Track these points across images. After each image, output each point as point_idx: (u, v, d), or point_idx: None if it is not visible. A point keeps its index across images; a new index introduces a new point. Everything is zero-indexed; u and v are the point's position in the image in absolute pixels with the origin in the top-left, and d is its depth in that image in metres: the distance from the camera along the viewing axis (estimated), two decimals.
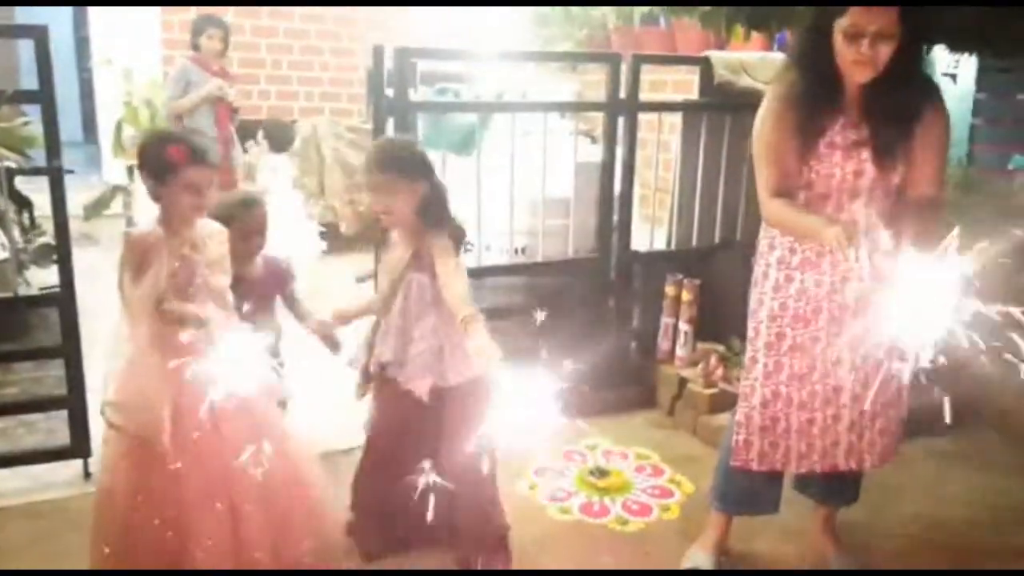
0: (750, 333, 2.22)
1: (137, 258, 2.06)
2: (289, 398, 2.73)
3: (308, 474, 2.29)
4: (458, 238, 2.29)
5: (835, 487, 2.40)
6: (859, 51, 1.88)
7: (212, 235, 2.20)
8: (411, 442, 2.34)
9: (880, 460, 2.22)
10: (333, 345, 2.53)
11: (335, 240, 5.59)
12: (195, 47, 4.72)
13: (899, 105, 1.96)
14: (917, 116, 1.98)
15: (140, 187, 5.93)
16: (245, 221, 2.45)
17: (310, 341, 2.78)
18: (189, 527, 2.06)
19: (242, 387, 1.88)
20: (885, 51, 1.88)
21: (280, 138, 5.91)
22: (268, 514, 2.15)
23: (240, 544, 2.10)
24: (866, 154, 2.01)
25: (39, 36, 2.53)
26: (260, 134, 5.83)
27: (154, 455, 2.02)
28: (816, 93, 2.00)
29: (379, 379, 2.39)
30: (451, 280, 2.19)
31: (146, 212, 5.56)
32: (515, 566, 2.46)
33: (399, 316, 2.30)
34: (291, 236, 4.64)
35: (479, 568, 2.38)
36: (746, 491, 2.35)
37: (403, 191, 2.20)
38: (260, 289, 2.56)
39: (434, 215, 2.25)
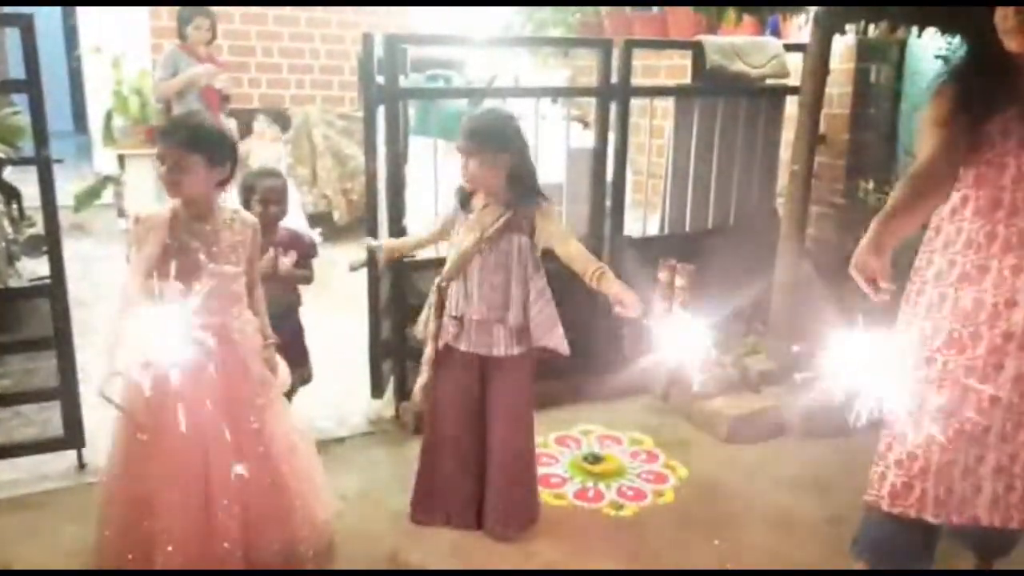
0: (918, 359, 1.91)
1: (141, 235, 2.09)
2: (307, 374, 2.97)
3: (288, 468, 2.28)
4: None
5: (988, 534, 2.03)
6: (1002, 16, 1.70)
7: (232, 224, 2.20)
8: (472, 409, 2.51)
9: (1021, 523, 1.87)
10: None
11: (328, 229, 5.57)
12: (182, 37, 4.71)
13: None
14: None
15: (131, 177, 5.93)
16: (260, 190, 2.78)
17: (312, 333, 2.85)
18: (158, 506, 2.07)
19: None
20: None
21: (283, 124, 5.99)
22: (244, 503, 2.15)
23: (209, 531, 2.11)
24: None
25: (25, 25, 2.51)
26: (268, 119, 5.87)
27: (137, 432, 2.05)
28: (982, 69, 1.80)
29: (444, 344, 2.48)
30: (568, 240, 2.38)
31: (137, 202, 5.55)
32: (509, 553, 2.47)
33: (496, 273, 2.39)
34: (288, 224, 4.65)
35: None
36: (884, 540, 2.00)
37: (488, 160, 2.35)
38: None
39: (526, 183, 2.40)
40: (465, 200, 2.46)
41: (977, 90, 1.79)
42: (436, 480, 2.58)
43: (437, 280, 2.46)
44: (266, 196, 2.78)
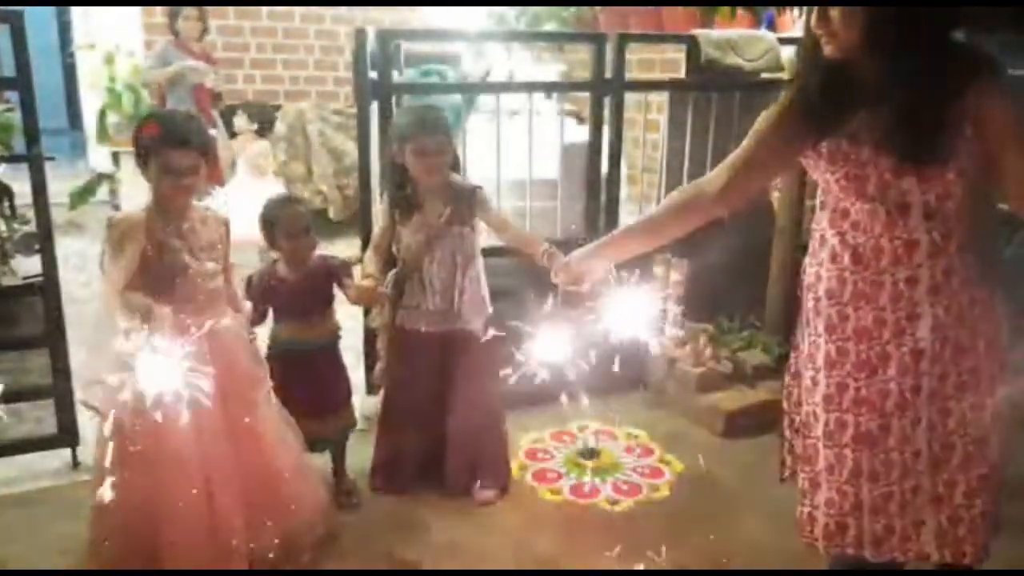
0: (807, 382, 1.78)
1: (116, 239, 2.05)
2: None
3: (283, 464, 2.28)
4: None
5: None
6: (813, 23, 1.59)
7: (206, 220, 2.19)
8: (432, 381, 2.66)
9: (973, 558, 1.68)
10: (382, 301, 2.65)
11: (323, 225, 5.56)
12: (174, 32, 4.71)
13: (903, 85, 1.53)
14: (948, 99, 1.52)
15: (126, 174, 5.89)
16: (287, 221, 2.51)
17: None
18: (161, 510, 2.06)
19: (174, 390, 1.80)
20: (838, 20, 1.54)
21: (265, 120, 5.78)
22: (243, 498, 2.15)
23: (213, 529, 2.11)
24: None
25: (15, 22, 2.50)
26: (246, 117, 5.75)
27: (129, 436, 2.02)
28: (814, 74, 1.65)
29: (401, 328, 2.65)
30: (508, 225, 2.60)
31: (132, 199, 5.54)
32: (505, 549, 2.47)
33: (447, 266, 2.56)
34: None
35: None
36: None
37: (447, 150, 2.53)
38: (314, 289, 2.57)
39: (460, 180, 2.58)
40: (407, 197, 2.55)
41: (814, 103, 1.64)
42: (395, 450, 2.73)
43: (394, 272, 2.64)
44: (292, 228, 2.51)
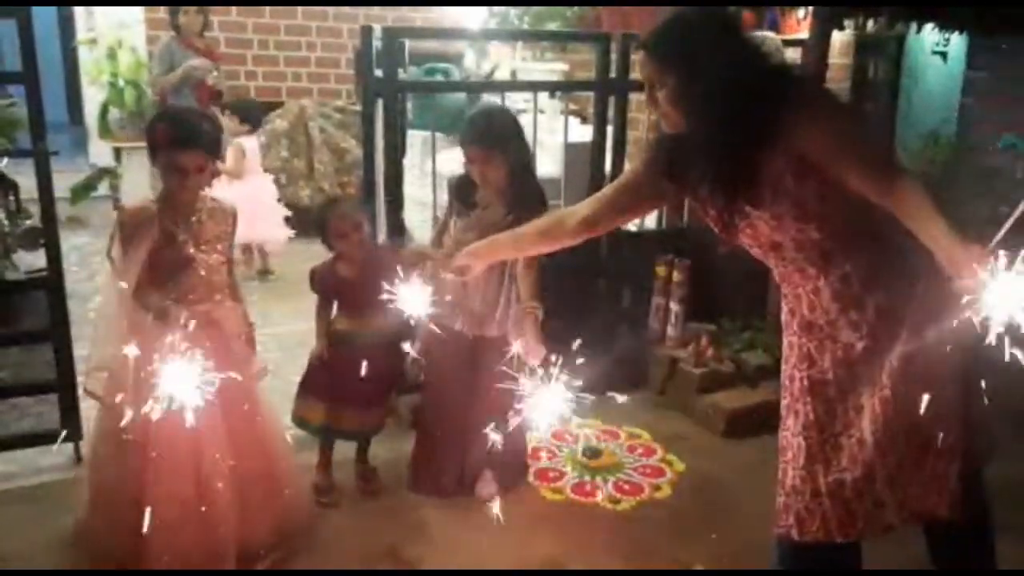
0: (784, 381, 1.86)
1: (127, 232, 2.09)
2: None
3: (276, 450, 2.32)
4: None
5: (948, 549, 1.89)
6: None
7: (213, 213, 2.20)
8: (463, 382, 2.62)
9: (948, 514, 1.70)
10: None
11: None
12: (175, 28, 4.69)
13: (712, 146, 1.66)
14: (755, 151, 1.63)
15: (127, 169, 5.86)
16: (334, 223, 2.56)
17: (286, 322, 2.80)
18: (155, 501, 2.05)
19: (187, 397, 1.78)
20: (660, 97, 1.70)
21: (248, 118, 5.47)
22: (237, 490, 2.16)
23: (207, 519, 2.11)
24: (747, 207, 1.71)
25: (22, 18, 2.50)
26: (227, 114, 5.64)
27: (125, 428, 2.02)
28: (663, 140, 1.84)
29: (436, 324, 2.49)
30: (531, 267, 2.46)
31: (133, 194, 5.52)
32: (507, 548, 2.47)
33: (496, 271, 2.47)
34: (261, 219, 4.59)
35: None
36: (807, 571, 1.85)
37: (496, 159, 2.46)
38: (370, 283, 2.45)
39: (527, 185, 2.52)
40: (465, 194, 2.56)
41: (664, 166, 1.80)
42: (430, 452, 2.71)
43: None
44: (340, 229, 2.56)
